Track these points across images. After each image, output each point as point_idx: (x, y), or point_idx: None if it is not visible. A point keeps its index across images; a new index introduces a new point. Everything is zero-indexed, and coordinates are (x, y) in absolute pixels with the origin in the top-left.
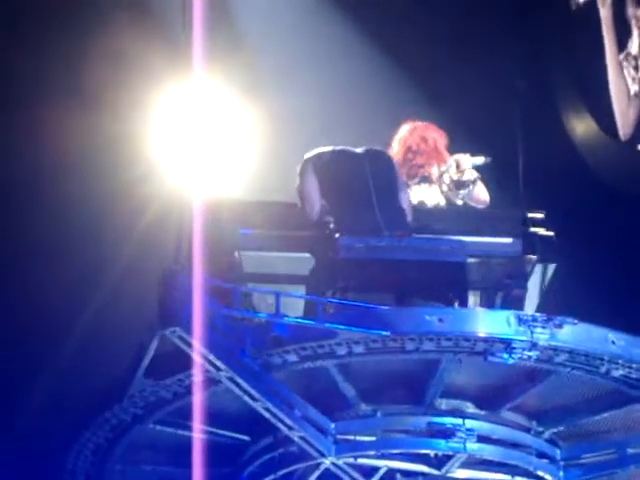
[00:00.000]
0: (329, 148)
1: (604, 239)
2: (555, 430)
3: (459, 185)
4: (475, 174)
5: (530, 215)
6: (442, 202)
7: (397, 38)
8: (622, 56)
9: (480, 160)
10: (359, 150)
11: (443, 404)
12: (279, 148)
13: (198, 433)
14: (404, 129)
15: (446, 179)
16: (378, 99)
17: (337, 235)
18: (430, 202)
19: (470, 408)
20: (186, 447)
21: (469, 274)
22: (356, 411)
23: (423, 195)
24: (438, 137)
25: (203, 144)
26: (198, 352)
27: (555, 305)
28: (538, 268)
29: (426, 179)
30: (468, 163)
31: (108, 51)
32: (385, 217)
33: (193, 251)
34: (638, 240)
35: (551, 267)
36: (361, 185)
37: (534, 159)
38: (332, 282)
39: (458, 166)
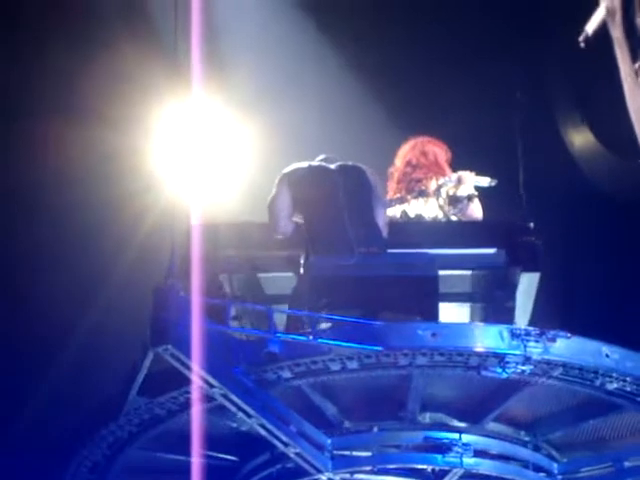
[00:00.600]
0: (305, 163)
1: (603, 250)
2: (544, 439)
3: (454, 200)
4: (471, 191)
5: (515, 224)
6: (440, 216)
7: (396, 52)
8: (637, 65)
9: (485, 181)
10: (333, 166)
11: (427, 418)
12: (275, 163)
13: (194, 455)
14: (406, 145)
15: (443, 193)
16: (376, 113)
17: (308, 253)
18: (427, 216)
19: (454, 421)
20: (182, 469)
21: (448, 287)
22: (351, 427)
23: (420, 209)
24: (439, 151)
25: (201, 159)
26: (191, 369)
27: (546, 316)
28: (525, 278)
29: (423, 193)
30: (470, 181)
31: (109, 66)
32: (357, 234)
33: (186, 267)
34: (637, 250)
35: (536, 277)
36: (332, 201)
37: (534, 173)
38: (306, 301)
39: (459, 181)
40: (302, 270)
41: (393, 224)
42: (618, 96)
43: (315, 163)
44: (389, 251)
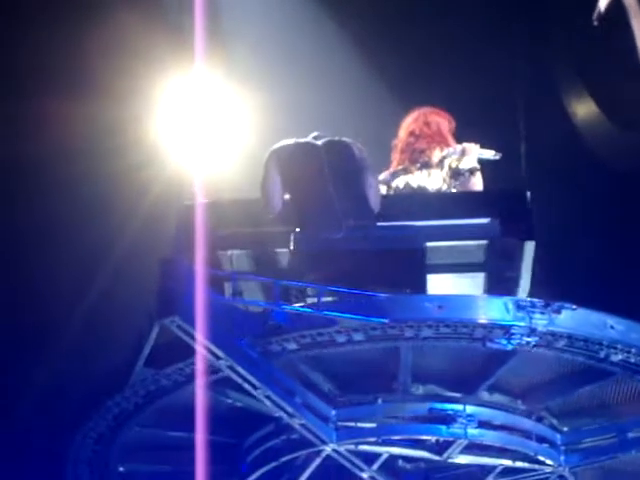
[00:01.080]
0: (292, 140)
1: (605, 220)
2: (543, 408)
3: (456, 173)
4: (474, 164)
5: (509, 192)
6: (444, 187)
7: (397, 27)
8: None
9: (489, 154)
10: (320, 142)
11: (420, 389)
12: (276, 138)
13: (198, 429)
14: (410, 116)
15: (446, 165)
16: (377, 89)
17: (295, 229)
18: (431, 187)
19: (448, 392)
20: (186, 444)
21: (445, 258)
22: (356, 398)
23: (424, 180)
24: (442, 121)
25: (203, 132)
26: (197, 341)
27: (546, 287)
28: (521, 247)
29: (427, 164)
30: (474, 153)
31: (111, 39)
32: (344, 207)
33: (188, 243)
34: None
35: (531, 245)
36: (318, 176)
37: (536, 142)
38: (294, 276)
39: (463, 153)
40: (291, 246)
41: (385, 197)
42: (621, 67)
43: (301, 140)
44: (379, 224)
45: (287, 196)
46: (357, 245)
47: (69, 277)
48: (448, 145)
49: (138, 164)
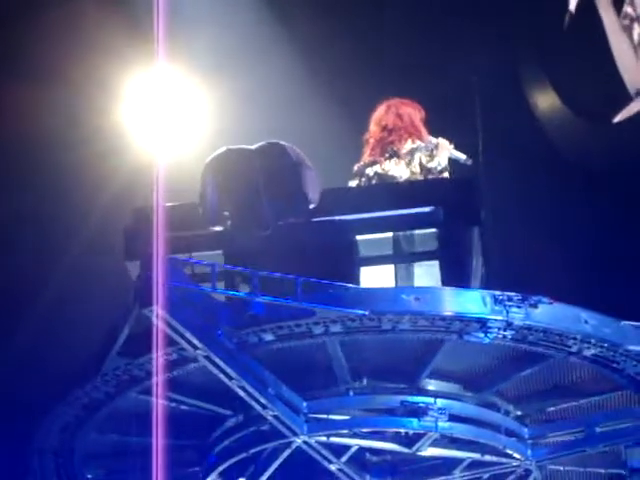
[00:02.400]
0: (223, 148)
1: (564, 214)
2: (514, 405)
3: (426, 171)
4: (444, 163)
5: (452, 180)
6: (411, 177)
7: (354, 17)
8: (621, 17)
9: (461, 156)
10: (253, 147)
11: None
12: (234, 128)
13: (165, 401)
14: (380, 109)
15: (416, 158)
16: (339, 83)
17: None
18: (398, 175)
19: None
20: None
21: (374, 250)
22: (328, 390)
23: (392, 169)
24: (413, 111)
25: (164, 123)
26: (176, 331)
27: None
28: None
29: (395, 153)
30: (446, 152)
31: (71, 29)
32: (276, 206)
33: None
34: (599, 213)
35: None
36: (247, 180)
37: (494, 135)
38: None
39: (436, 148)
40: (222, 248)
41: (333, 191)
42: (585, 58)
43: (234, 147)
44: (313, 219)
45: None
46: (286, 242)
47: (36, 258)
48: (421, 136)
49: (99, 154)
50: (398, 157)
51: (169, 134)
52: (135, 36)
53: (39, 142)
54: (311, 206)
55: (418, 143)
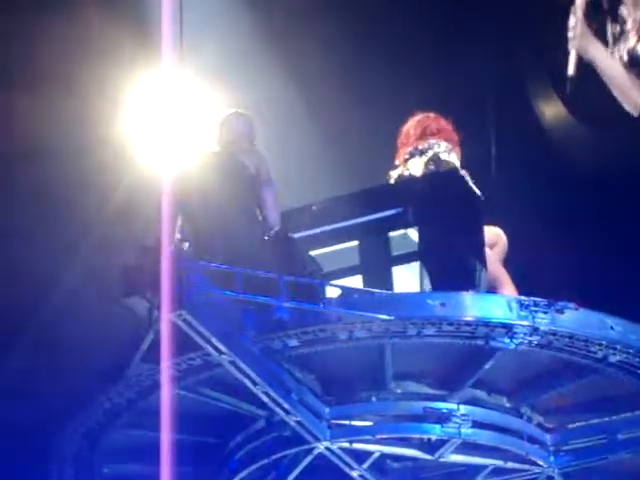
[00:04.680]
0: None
1: (573, 222)
2: (532, 407)
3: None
4: (456, 163)
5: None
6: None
7: (368, 29)
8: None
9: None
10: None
11: (406, 387)
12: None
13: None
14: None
15: (430, 153)
16: (346, 88)
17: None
18: (416, 173)
19: (432, 390)
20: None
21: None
22: (351, 396)
23: (411, 169)
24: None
25: (170, 127)
26: (202, 336)
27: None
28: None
29: (413, 154)
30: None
31: (76, 36)
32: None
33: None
34: (605, 218)
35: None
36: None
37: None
38: None
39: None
40: None
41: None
42: (589, 68)
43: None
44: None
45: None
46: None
47: (40, 270)
48: (454, 143)
49: (105, 164)
50: (415, 156)
51: (176, 142)
52: (143, 41)
53: (43, 151)
54: (273, 229)
55: (435, 141)
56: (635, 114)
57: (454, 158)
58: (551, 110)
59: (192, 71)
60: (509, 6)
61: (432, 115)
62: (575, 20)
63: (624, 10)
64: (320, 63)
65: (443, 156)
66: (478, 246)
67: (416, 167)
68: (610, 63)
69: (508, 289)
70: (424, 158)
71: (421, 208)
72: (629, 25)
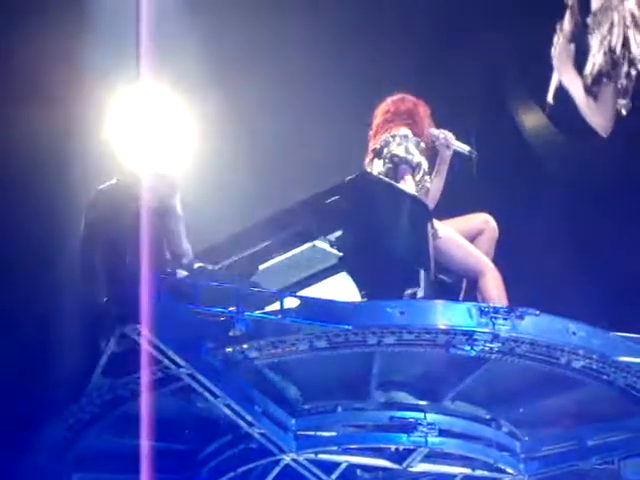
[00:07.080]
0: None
1: (551, 230)
2: (505, 416)
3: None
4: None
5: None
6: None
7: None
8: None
9: (464, 148)
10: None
11: (388, 396)
12: (221, 148)
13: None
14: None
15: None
16: (327, 95)
17: None
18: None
19: (414, 400)
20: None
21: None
22: (315, 407)
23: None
24: (417, 102)
25: (150, 142)
26: (159, 349)
27: None
28: None
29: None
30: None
31: (53, 48)
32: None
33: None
34: (584, 226)
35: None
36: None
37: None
38: None
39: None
40: None
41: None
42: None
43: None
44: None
45: None
46: None
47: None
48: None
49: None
50: (379, 156)
51: (156, 153)
52: (122, 55)
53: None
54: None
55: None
56: (604, 135)
57: (412, 143)
58: (531, 120)
59: (170, 81)
60: (493, 16)
61: (391, 99)
62: (557, 38)
63: (590, 37)
64: (296, 71)
65: (397, 150)
66: (411, 245)
67: (378, 167)
68: (573, 88)
69: (490, 279)
70: (382, 160)
71: (339, 216)
72: (594, 48)
